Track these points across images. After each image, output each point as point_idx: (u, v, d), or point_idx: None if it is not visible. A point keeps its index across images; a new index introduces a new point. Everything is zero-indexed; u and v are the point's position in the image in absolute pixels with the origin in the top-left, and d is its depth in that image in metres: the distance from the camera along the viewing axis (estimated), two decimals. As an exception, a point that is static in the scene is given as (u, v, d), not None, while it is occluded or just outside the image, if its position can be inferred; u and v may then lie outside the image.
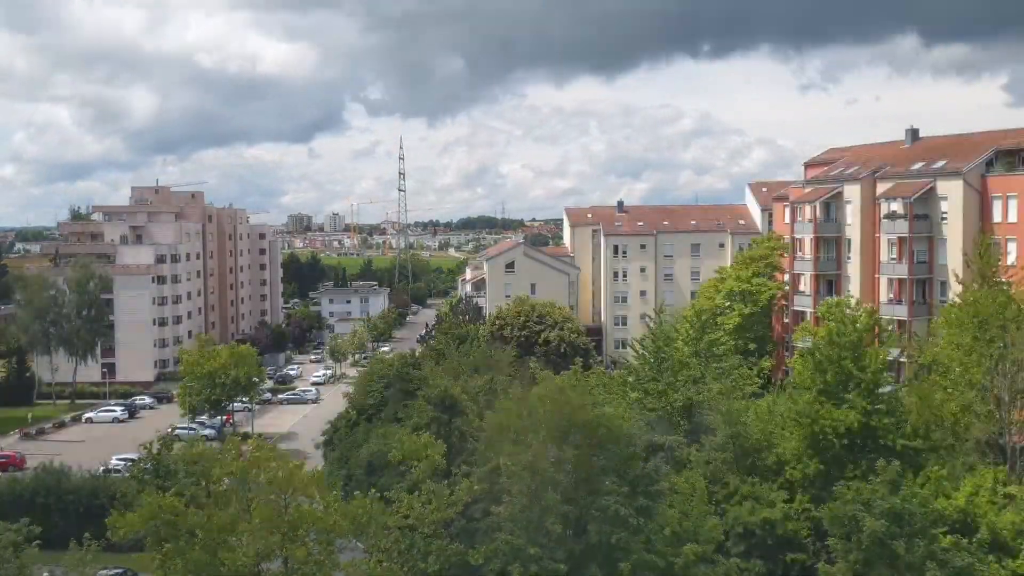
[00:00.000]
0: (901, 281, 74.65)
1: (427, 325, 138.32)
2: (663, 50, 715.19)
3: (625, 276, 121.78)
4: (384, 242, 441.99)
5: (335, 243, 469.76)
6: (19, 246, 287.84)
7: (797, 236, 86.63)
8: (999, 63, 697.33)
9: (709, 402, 46.33)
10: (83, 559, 34.74)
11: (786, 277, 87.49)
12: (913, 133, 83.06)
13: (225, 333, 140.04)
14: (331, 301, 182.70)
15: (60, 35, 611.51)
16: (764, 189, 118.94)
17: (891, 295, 75.44)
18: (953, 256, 68.43)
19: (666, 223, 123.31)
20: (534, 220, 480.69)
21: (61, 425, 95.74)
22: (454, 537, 35.04)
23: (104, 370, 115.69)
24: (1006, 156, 70.19)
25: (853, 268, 79.64)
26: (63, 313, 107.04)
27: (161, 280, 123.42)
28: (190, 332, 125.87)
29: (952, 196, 70.82)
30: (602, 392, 46.26)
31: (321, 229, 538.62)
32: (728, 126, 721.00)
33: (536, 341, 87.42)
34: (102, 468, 68.02)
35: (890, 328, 63.72)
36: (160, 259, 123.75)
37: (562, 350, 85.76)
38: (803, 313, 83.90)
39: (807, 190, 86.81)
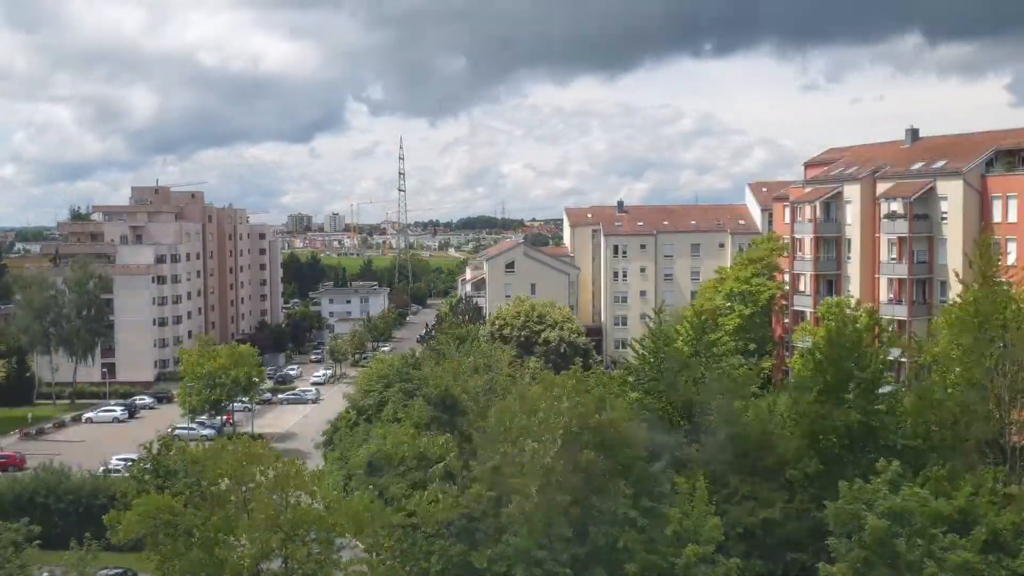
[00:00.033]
0: (901, 281, 74.65)
1: (427, 325, 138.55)
2: (665, 49, 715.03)
3: (625, 276, 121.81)
4: (384, 242, 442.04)
5: (335, 243, 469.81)
6: (19, 246, 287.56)
7: (797, 236, 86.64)
8: (1003, 63, 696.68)
9: (709, 402, 46.30)
10: (83, 559, 34.78)
11: (786, 277, 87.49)
12: (913, 133, 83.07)
13: (225, 333, 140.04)
14: (331, 301, 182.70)
15: (60, 34, 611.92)
16: (764, 189, 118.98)
17: (891, 295, 75.45)
18: (953, 256, 68.42)
19: (666, 223, 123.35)
20: (534, 220, 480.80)
21: (61, 425, 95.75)
22: (455, 537, 35.04)
23: (104, 370, 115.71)
24: (1006, 156, 70.19)
25: (853, 268, 79.64)
26: (63, 313, 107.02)
27: (161, 280, 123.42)
28: (190, 332, 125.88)
29: (952, 196, 70.82)
30: (602, 392, 46.21)
31: (321, 229, 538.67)
32: (729, 126, 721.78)
33: (536, 341, 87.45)
34: (102, 468, 68.00)
35: (890, 328, 63.78)
36: (160, 259, 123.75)
37: (562, 350, 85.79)
38: (803, 313, 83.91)
39: (807, 190, 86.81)
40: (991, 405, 41.91)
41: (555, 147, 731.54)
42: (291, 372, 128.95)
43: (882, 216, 76.71)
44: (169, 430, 70.96)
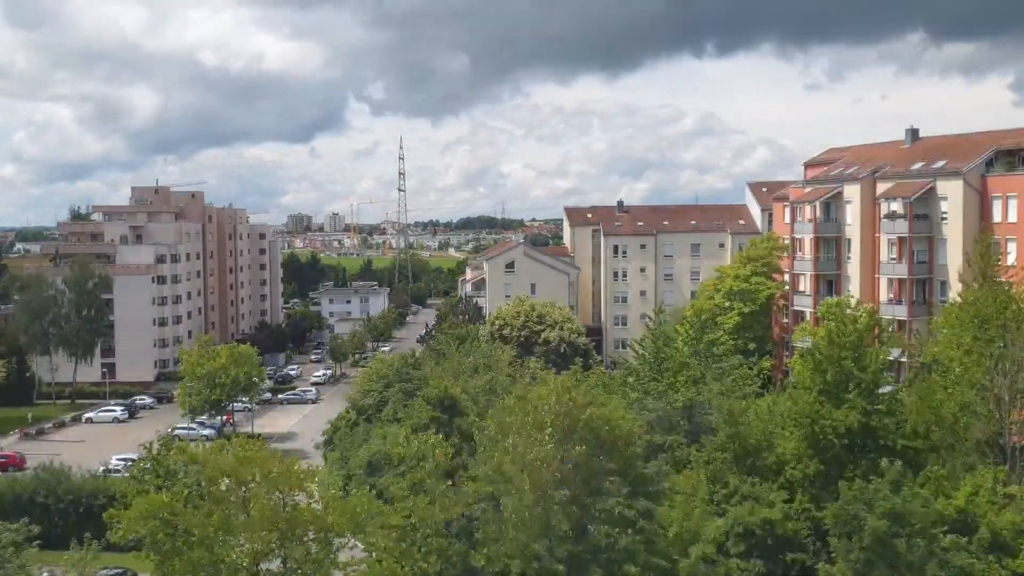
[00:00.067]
0: (901, 281, 74.67)
1: (427, 325, 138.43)
2: (666, 49, 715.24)
3: (625, 276, 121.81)
4: (384, 242, 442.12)
5: (335, 243, 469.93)
6: (19, 246, 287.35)
7: (797, 236, 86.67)
8: (1006, 62, 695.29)
9: (709, 402, 46.37)
10: (83, 559, 34.81)
11: (786, 277, 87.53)
12: (913, 133, 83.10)
13: (225, 333, 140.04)
14: (331, 301, 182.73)
15: (60, 33, 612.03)
16: (764, 189, 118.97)
17: (891, 295, 75.47)
18: (953, 256, 68.46)
19: (666, 223, 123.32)
20: (534, 220, 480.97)
21: (61, 425, 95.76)
22: (455, 536, 35.06)
23: (104, 370, 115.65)
24: (1006, 156, 70.22)
25: (853, 268, 79.67)
26: (63, 313, 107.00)
27: (161, 280, 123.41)
28: (190, 332, 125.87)
29: (952, 196, 70.84)
30: (602, 392, 46.28)
31: (321, 229, 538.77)
32: (730, 126, 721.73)
33: (536, 341, 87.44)
34: (102, 468, 68.02)
35: (890, 328, 63.82)
36: (160, 259, 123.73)
37: (562, 350, 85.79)
38: (803, 313, 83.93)
39: (807, 190, 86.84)
40: (991, 405, 41.94)
41: (556, 147, 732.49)
42: (291, 372, 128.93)
43: (882, 216, 76.73)
44: (169, 430, 71.13)
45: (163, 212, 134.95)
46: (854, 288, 78.12)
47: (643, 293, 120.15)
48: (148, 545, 32.45)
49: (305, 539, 31.67)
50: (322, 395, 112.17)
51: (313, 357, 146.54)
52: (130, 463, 56.54)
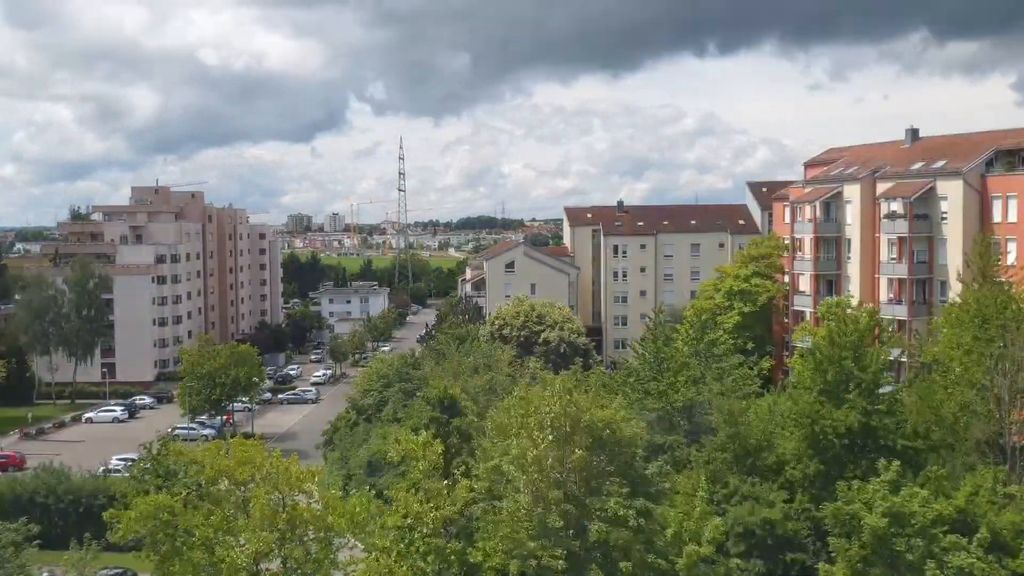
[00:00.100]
0: (901, 281, 74.65)
1: (427, 325, 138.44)
2: (667, 48, 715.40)
3: (625, 276, 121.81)
4: (384, 242, 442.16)
5: (335, 243, 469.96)
6: (19, 246, 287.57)
7: (797, 236, 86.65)
8: (1008, 61, 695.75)
9: (709, 402, 46.36)
10: (83, 559, 34.82)
11: (786, 277, 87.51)
12: (913, 133, 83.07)
13: (225, 333, 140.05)
14: (331, 301, 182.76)
15: (61, 32, 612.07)
16: (764, 189, 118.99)
17: (891, 295, 75.45)
18: (953, 256, 68.44)
19: (666, 223, 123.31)
20: (534, 220, 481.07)
21: (61, 425, 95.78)
22: (454, 536, 35.07)
23: (104, 370, 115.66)
24: (1006, 156, 70.21)
25: (853, 268, 79.65)
26: (63, 313, 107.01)
27: (161, 280, 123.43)
28: (190, 332, 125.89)
29: (952, 196, 70.82)
30: (604, 392, 46.28)
31: (321, 229, 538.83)
32: (732, 125, 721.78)
33: (536, 341, 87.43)
34: (102, 468, 68.06)
35: (890, 328, 63.81)
36: (160, 259, 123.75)
37: (562, 350, 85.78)
38: (803, 313, 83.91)
39: (807, 190, 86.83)
40: (991, 405, 41.93)
41: (556, 147, 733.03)
42: (291, 372, 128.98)
43: (882, 216, 76.72)
44: (169, 430, 71.15)
45: (163, 212, 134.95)
46: (854, 288, 78.10)
47: (643, 293, 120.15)
48: (148, 545, 32.45)
49: (305, 539, 31.66)
50: (322, 395, 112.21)
51: (313, 357, 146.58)
52: (130, 463, 56.57)
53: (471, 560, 33.53)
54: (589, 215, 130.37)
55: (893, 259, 75.71)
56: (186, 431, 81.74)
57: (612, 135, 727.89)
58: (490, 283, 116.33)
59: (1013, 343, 42.24)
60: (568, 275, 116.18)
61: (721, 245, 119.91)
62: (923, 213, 73.23)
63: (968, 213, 69.26)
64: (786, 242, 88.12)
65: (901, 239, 74.53)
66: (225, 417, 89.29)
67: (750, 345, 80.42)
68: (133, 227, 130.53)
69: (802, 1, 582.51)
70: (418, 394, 52.62)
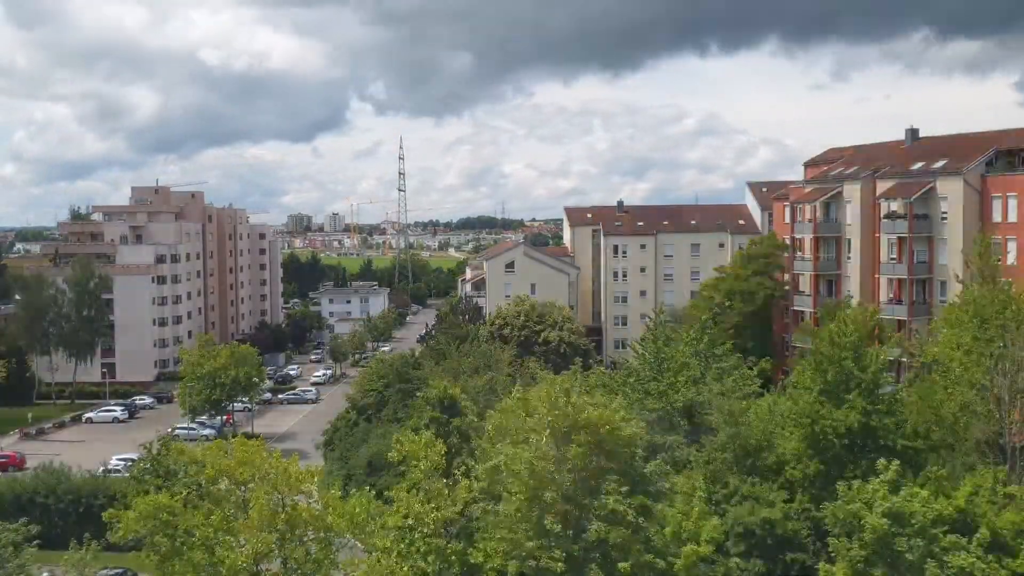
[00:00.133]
0: (901, 281, 74.67)
1: (427, 325, 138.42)
2: (669, 48, 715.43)
3: (625, 276, 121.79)
4: (384, 242, 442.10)
5: (335, 243, 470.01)
6: (19, 246, 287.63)
7: (797, 236, 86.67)
8: (1010, 61, 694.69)
9: (709, 402, 46.35)
10: (83, 559, 34.79)
11: (786, 277, 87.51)
12: (913, 133, 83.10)
13: (225, 333, 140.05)
14: (331, 301, 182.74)
15: (61, 31, 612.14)
16: (764, 189, 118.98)
17: (891, 295, 75.47)
18: (953, 256, 68.46)
19: (666, 223, 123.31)
20: (534, 220, 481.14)
21: (61, 425, 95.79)
22: (454, 536, 35.07)
23: (104, 370, 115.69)
24: (1006, 156, 70.25)
25: (853, 268, 79.67)
26: (63, 313, 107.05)
27: (161, 280, 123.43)
28: (190, 332, 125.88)
29: (952, 196, 70.84)
30: (603, 392, 46.28)
31: (321, 229, 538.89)
32: (733, 125, 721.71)
33: (536, 341, 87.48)
34: (102, 468, 68.08)
35: (890, 328, 63.87)
36: (160, 259, 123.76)
37: (562, 350, 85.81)
38: (803, 313, 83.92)
39: (807, 190, 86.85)
40: (991, 405, 41.93)
41: (557, 147, 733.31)
42: (291, 372, 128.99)
43: (882, 216, 76.73)
44: (169, 430, 71.13)
45: (163, 212, 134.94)
46: (854, 288, 78.13)
47: (643, 293, 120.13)
48: (148, 545, 32.44)
49: (305, 539, 31.66)
50: (322, 395, 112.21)
51: (313, 357, 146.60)
52: (130, 463, 56.56)
53: (472, 560, 33.53)
54: (589, 215, 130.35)
55: (893, 259, 75.72)
56: (186, 431, 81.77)
57: (613, 135, 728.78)
58: (490, 283, 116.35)
59: (1013, 343, 42.23)
60: (568, 275, 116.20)
61: (721, 245, 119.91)
62: (923, 213, 73.24)
63: (968, 213, 69.28)
64: (784, 241, 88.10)
65: (901, 239, 74.54)
66: (225, 417, 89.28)
67: (750, 345, 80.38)
68: (133, 227, 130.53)
69: (803, 0, 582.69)
70: (418, 394, 52.64)
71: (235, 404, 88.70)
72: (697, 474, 39.51)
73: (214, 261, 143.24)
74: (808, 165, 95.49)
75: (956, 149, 74.74)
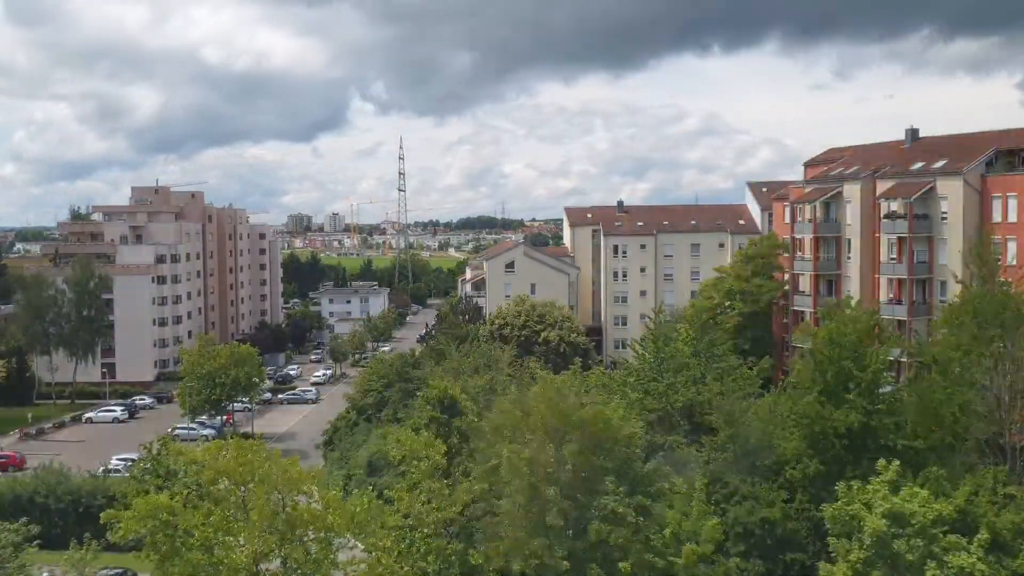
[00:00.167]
0: (901, 281, 74.64)
1: (427, 325, 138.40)
2: (670, 48, 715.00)
3: (625, 276, 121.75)
4: (384, 242, 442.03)
5: (335, 243, 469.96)
6: (19, 246, 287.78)
7: (797, 236, 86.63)
8: (1014, 60, 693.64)
9: (709, 402, 46.37)
10: (83, 559, 34.81)
11: (786, 277, 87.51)
12: (913, 133, 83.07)
13: (225, 333, 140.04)
14: (331, 301, 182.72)
15: (61, 31, 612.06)
16: (764, 189, 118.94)
17: (891, 295, 75.44)
18: (953, 256, 68.45)
19: (666, 223, 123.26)
20: (534, 220, 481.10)
21: (61, 425, 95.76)
22: (454, 536, 35.09)
23: (104, 370, 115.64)
24: (1006, 156, 70.22)
25: (853, 268, 79.64)
26: (63, 313, 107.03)
27: (161, 280, 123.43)
28: (190, 332, 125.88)
29: (952, 196, 70.82)
30: (602, 392, 46.29)
31: (321, 229, 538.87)
32: (734, 125, 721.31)
33: (536, 341, 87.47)
34: (102, 468, 68.04)
35: (890, 328, 63.83)
36: (160, 259, 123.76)
37: (562, 350, 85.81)
38: (803, 313, 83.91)
39: (807, 190, 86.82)
40: (991, 405, 41.96)
41: (558, 147, 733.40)
42: (291, 372, 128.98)
43: (882, 216, 76.71)
44: (169, 430, 71.16)
45: (163, 212, 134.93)
46: (854, 288, 78.09)
47: (643, 293, 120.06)
48: (148, 545, 32.44)
49: (305, 539, 31.64)
50: (322, 395, 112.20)
51: (313, 357, 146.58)
52: (130, 463, 56.55)
53: (472, 561, 33.54)
54: (589, 215, 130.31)
55: (893, 259, 75.70)
56: (186, 431, 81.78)
57: (614, 135, 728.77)
58: (490, 283, 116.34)
59: (1012, 343, 42.25)
60: (568, 275, 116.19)
61: (721, 245, 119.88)
62: (923, 213, 73.22)
63: (968, 213, 69.26)
64: (784, 241, 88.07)
65: (901, 239, 74.52)
66: (225, 417, 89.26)
67: (749, 346, 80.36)
68: (133, 227, 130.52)
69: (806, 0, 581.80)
70: (418, 394, 52.64)
71: (235, 404, 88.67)
72: (697, 474, 39.51)
73: (214, 261, 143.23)
74: (808, 165, 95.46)
75: (956, 149, 74.71)
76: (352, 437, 66.68)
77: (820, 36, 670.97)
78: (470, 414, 43.60)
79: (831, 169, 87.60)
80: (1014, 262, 62.40)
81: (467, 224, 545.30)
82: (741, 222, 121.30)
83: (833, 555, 33.36)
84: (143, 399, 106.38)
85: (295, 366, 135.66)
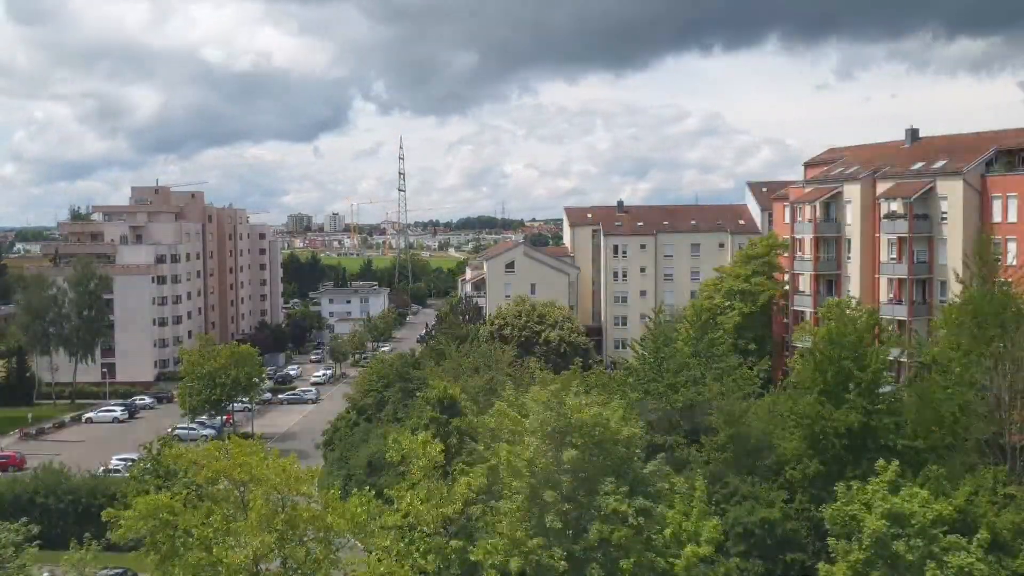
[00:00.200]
0: (901, 281, 74.64)
1: (427, 325, 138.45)
2: (672, 47, 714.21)
3: (625, 276, 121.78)
4: (384, 242, 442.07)
5: (335, 243, 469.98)
6: (19, 246, 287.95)
7: (797, 236, 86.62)
8: (1017, 59, 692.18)
9: (709, 402, 46.37)
10: (83, 559, 34.78)
11: (786, 277, 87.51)
12: (913, 133, 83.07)
13: (225, 333, 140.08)
14: (331, 301, 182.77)
15: (62, 30, 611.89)
16: (764, 189, 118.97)
17: (891, 295, 75.43)
18: (953, 256, 68.45)
19: (666, 223, 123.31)
20: (534, 220, 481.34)
21: (61, 425, 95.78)
22: (454, 535, 35.08)
23: (104, 370, 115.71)
24: (1006, 156, 70.19)
25: (853, 268, 79.63)
26: (63, 313, 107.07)
27: (161, 280, 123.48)
28: (190, 332, 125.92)
29: (952, 196, 70.81)
30: (602, 392, 46.29)
31: (321, 229, 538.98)
32: (736, 125, 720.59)
33: (536, 341, 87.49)
34: (102, 468, 68.09)
35: (890, 328, 63.85)
36: (160, 259, 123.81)
37: (562, 350, 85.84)
38: (803, 313, 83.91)
39: (807, 190, 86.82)
40: (991, 405, 41.96)
41: (559, 147, 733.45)
42: (291, 372, 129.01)
43: (882, 216, 76.70)
44: (169, 430, 71.18)
45: (163, 212, 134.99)
46: (854, 288, 78.09)
47: (643, 293, 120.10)
48: (148, 545, 32.43)
49: (305, 539, 31.63)
50: (322, 395, 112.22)
51: (313, 357, 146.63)
52: (130, 463, 56.59)
53: (471, 559, 33.54)
54: (589, 215, 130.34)
55: (893, 259, 75.70)
56: (186, 431, 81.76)
57: (614, 135, 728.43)
58: (490, 283, 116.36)
59: (1012, 343, 42.26)
60: (568, 275, 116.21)
61: (721, 245, 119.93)
62: (923, 213, 73.21)
63: (968, 213, 69.24)
64: (784, 241, 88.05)
65: (901, 239, 74.51)
66: (225, 417, 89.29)
67: (751, 347, 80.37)
68: (133, 227, 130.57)
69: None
70: (418, 394, 52.64)
71: (235, 404, 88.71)
72: (697, 474, 39.52)
73: (214, 261, 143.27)
74: (808, 165, 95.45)
75: (956, 149, 74.71)
76: (352, 437, 66.61)
77: (821, 36, 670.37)
78: (470, 414, 43.61)
79: (831, 169, 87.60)
80: (1014, 262, 62.35)
81: (467, 224, 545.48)
82: (741, 222, 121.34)
83: (833, 555, 33.38)
84: (143, 399, 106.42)
85: (295, 366, 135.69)
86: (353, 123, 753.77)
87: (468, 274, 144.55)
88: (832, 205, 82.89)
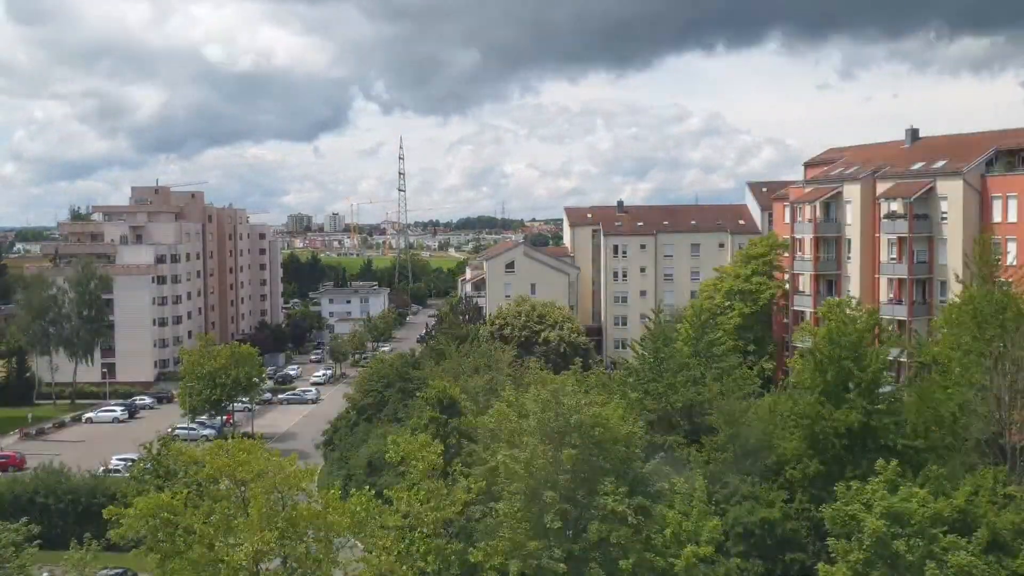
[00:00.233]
0: (901, 281, 74.67)
1: (427, 325, 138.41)
2: (674, 47, 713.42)
3: (625, 276, 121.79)
4: (384, 242, 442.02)
5: (335, 243, 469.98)
6: (19, 246, 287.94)
7: (797, 236, 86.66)
8: (1018, 60, 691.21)
9: (709, 402, 46.39)
10: (83, 559, 34.81)
11: (786, 277, 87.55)
12: (913, 133, 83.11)
13: (225, 333, 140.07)
14: (331, 301, 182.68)
15: (62, 29, 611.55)
16: (764, 189, 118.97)
17: (891, 295, 75.47)
18: (953, 256, 68.48)
19: (666, 223, 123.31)
20: (534, 220, 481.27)
21: (61, 425, 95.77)
22: (454, 536, 35.10)
23: (104, 370, 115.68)
24: (1006, 156, 70.24)
25: (853, 268, 79.67)
26: (63, 313, 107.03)
27: (161, 280, 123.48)
28: (190, 332, 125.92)
29: (952, 196, 70.84)
30: (602, 392, 46.30)
31: (321, 229, 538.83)
32: (737, 125, 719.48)
33: (536, 341, 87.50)
34: (102, 468, 68.07)
35: (890, 328, 63.85)
36: (160, 259, 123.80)
37: (562, 350, 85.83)
38: (803, 313, 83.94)
39: (807, 190, 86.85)
40: (991, 405, 41.96)
41: (559, 147, 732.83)
42: (291, 372, 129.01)
43: (882, 216, 76.74)
44: (169, 430, 71.13)
45: (163, 212, 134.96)
46: (854, 288, 78.12)
47: (643, 293, 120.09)
48: (148, 544, 32.45)
49: (305, 539, 31.65)
50: (322, 395, 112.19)
51: (313, 357, 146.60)
52: (130, 463, 56.57)
53: (471, 560, 33.56)
54: (589, 215, 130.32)
55: (893, 259, 75.73)
56: (186, 431, 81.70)
57: (615, 135, 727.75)
58: (490, 283, 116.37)
59: (1012, 343, 42.27)
60: (568, 275, 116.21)
61: (721, 245, 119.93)
62: (923, 213, 73.25)
63: (968, 213, 69.27)
64: (784, 241, 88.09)
65: (901, 239, 74.55)
66: (225, 417, 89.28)
67: (751, 347, 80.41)
68: (133, 227, 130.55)
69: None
70: (418, 394, 52.65)
71: (235, 404, 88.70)
72: (697, 474, 39.53)
73: (214, 261, 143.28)
74: (808, 165, 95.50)
75: (956, 149, 74.75)
76: (352, 437, 66.69)
77: (822, 36, 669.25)
78: (470, 414, 43.62)
79: (831, 169, 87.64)
80: (1014, 262, 62.37)
81: (467, 224, 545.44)
82: (741, 222, 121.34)
83: (833, 555, 33.39)
84: (143, 399, 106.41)
85: (295, 366, 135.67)
86: (353, 123, 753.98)
87: (468, 274, 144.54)
88: (832, 205, 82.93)
